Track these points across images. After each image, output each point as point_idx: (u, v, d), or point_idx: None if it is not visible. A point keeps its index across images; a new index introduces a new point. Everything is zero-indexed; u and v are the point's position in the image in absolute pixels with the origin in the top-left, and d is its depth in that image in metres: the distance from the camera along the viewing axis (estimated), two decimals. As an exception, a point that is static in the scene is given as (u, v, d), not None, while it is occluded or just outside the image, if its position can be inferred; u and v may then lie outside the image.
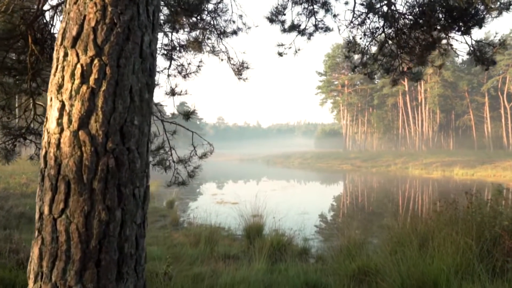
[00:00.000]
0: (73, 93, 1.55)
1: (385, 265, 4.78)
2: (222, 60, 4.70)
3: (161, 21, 4.35)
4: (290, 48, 4.73)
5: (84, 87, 1.55)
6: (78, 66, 1.56)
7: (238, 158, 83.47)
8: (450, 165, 38.23)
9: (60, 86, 1.59)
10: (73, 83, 1.57)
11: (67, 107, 1.56)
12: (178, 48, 4.49)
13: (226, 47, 4.62)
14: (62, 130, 1.55)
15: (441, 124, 67.18)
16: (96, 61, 1.56)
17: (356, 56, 4.73)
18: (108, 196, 1.50)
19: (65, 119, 1.56)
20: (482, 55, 3.76)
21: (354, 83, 74.24)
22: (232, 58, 4.73)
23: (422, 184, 26.48)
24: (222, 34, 4.56)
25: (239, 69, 4.64)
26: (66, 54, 1.61)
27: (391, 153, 55.72)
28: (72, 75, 1.57)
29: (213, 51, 4.61)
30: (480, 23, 3.57)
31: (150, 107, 1.72)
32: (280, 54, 4.84)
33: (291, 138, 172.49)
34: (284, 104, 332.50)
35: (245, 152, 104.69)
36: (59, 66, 1.62)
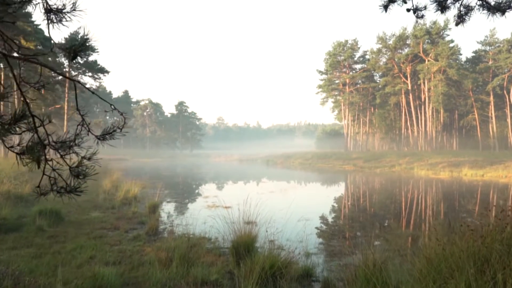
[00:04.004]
0: None
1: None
2: None
3: None
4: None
5: None
6: None
7: (237, 158, 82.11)
8: (458, 166, 36.63)
9: None
10: None
11: None
12: None
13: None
14: None
15: (445, 124, 65.57)
16: None
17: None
18: None
19: None
20: None
21: (356, 82, 72.70)
22: None
23: (435, 186, 24.77)
24: None
25: None
26: None
27: (394, 153, 54.09)
28: None
29: None
30: None
31: None
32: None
33: (291, 138, 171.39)
34: (284, 105, 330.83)
35: (245, 152, 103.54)
36: None
